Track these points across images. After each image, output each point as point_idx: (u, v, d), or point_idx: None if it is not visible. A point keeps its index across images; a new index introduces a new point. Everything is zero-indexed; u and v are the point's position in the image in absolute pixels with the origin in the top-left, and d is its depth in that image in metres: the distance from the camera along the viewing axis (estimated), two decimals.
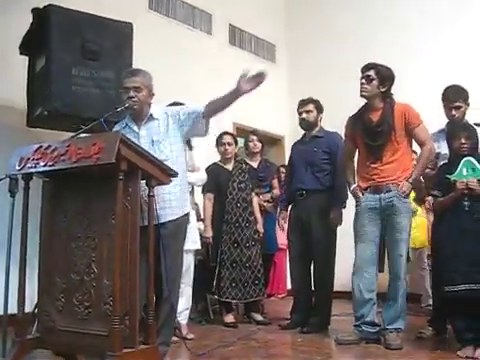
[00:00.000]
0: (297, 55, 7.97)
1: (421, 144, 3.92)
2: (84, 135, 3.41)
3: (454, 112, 4.02)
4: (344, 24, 7.46)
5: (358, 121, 4.03)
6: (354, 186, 4.01)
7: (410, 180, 3.84)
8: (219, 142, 5.15)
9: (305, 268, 4.68)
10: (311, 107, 4.74)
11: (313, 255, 4.60)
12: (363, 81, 3.93)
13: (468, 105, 4.08)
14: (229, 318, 4.92)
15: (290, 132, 5.56)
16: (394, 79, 3.98)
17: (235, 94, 3.33)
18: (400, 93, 4.03)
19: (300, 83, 7.67)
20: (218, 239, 4.91)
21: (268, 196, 5.45)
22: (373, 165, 3.91)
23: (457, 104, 4.02)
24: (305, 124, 4.75)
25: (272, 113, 7.43)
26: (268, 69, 7.85)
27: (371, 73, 3.91)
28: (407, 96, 4.06)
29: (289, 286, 7.16)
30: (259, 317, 5.06)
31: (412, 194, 4.52)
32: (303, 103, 4.79)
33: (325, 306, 4.56)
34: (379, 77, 3.90)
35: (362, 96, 3.96)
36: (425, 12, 6.77)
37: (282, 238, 6.78)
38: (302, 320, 4.56)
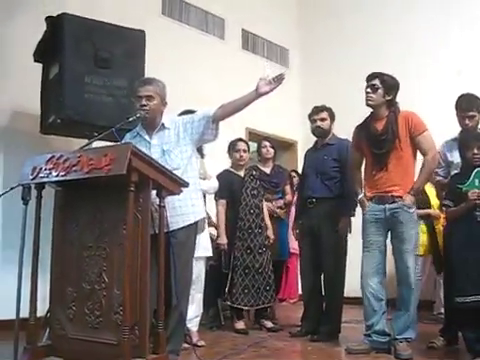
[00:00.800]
0: (310, 59, 7.96)
1: (424, 153, 3.89)
2: (95, 145, 3.44)
3: (468, 121, 4.00)
4: (357, 28, 7.44)
5: (363, 130, 4.04)
6: (361, 196, 4.00)
7: (412, 192, 3.83)
8: (234, 148, 5.15)
9: (315, 275, 4.67)
10: (325, 115, 4.73)
11: (323, 263, 4.59)
12: (368, 90, 3.93)
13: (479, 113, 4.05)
14: (240, 325, 4.93)
15: (303, 137, 5.56)
16: (399, 88, 3.98)
17: (253, 96, 3.35)
18: (410, 99, 4.01)
19: (313, 87, 7.67)
20: (231, 245, 4.92)
21: (281, 202, 5.46)
22: (378, 173, 3.91)
23: (471, 113, 4.00)
24: (319, 132, 4.73)
25: (285, 118, 7.43)
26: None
27: (376, 82, 3.91)
28: (418, 102, 4.05)
29: (301, 291, 7.20)
30: (270, 324, 5.06)
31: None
32: (317, 110, 4.77)
33: (335, 314, 4.54)
34: (384, 86, 3.90)
35: (368, 105, 3.96)
36: (436, 17, 6.73)
37: (294, 243, 6.81)
38: (312, 328, 4.55)
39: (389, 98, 3.92)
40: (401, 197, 3.83)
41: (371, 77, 3.95)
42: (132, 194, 2.82)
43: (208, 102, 5.86)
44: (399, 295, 3.91)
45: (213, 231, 5.12)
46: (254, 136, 6.95)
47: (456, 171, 3.86)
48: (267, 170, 5.54)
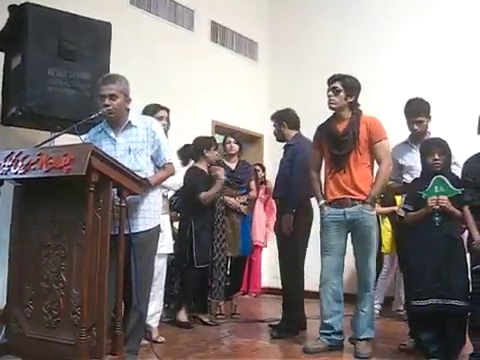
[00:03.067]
0: (279, 54, 7.92)
1: (379, 161, 3.95)
2: (57, 140, 3.39)
3: (416, 126, 4.06)
4: (327, 23, 7.43)
5: (325, 130, 4.07)
6: (322, 202, 4.03)
7: (368, 200, 3.88)
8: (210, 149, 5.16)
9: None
10: (274, 122, 4.89)
11: (281, 262, 4.73)
12: (330, 94, 3.95)
13: (429, 118, 4.11)
14: (183, 317, 4.95)
15: (269, 131, 5.57)
16: (360, 89, 4.01)
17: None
18: (380, 96, 4.04)
19: (281, 82, 7.67)
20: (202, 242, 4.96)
21: (245, 198, 5.44)
22: (337, 174, 3.95)
23: (418, 119, 4.05)
24: (276, 137, 4.95)
25: (252, 112, 7.42)
26: (249, 67, 7.94)
27: (337, 85, 3.93)
28: (387, 99, 4.07)
29: (264, 284, 7.27)
30: (206, 318, 5.10)
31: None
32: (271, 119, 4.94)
33: (291, 311, 4.59)
34: (346, 88, 3.93)
35: (331, 109, 3.99)
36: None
37: (259, 235, 6.86)
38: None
39: (351, 100, 3.95)
40: (360, 200, 3.88)
41: (332, 80, 3.97)
42: (92, 194, 2.80)
43: (176, 94, 5.90)
44: (358, 295, 3.97)
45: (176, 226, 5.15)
46: (221, 129, 6.93)
47: (409, 173, 3.96)
48: (232, 166, 5.53)
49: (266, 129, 7.46)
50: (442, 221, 3.53)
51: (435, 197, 3.55)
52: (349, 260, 4.06)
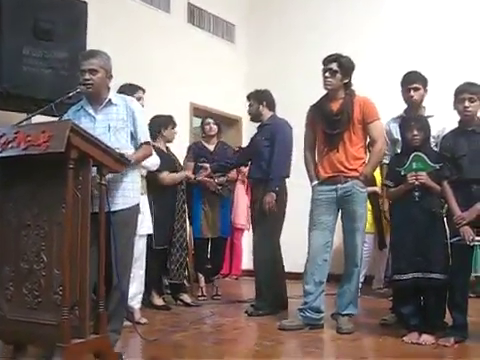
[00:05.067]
0: (256, 36, 7.90)
1: (373, 141, 3.99)
2: (34, 121, 3.33)
3: (412, 93, 4.04)
4: (306, 6, 7.42)
5: (318, 110, 4.06)
6: (315, 183, 4.04)
7: (361, 178, 3.93)
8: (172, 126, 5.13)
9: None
10: (251, 101, 4.91)
11: (255, 241, 4.79)
12: (327, 75, 3.93)
13: (426, 91, 4.12)
14: (160, 301, 4.94)
15: (247, 114, 5.58)
16: (354, 69, 4.01)
17: None
18: (362, 78, 4.06)
19: (259, 64, 7.65)
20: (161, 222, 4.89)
21: (223, 179, 5.42)
22: (330, 153, 3.96)
23: (416, 85, 4.05)
24: (250, 117, 5.01)
25: (230, 94, 7.38)
26: (227, 50, 7.92)
27: (333, 66, 3.92)
28: (370, 80, 4.09)
29: (244, 267, 7.29)
30: (188, 299, 5.10)
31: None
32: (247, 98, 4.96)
33: (265, 290, 4.61)
34: (342, 69, 3.93)
35: (326, 89, 3.98)
36: None
37: (240, 218, 6.87)
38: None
39: (346, 81, 3.97)
40: (353, 177, 3.91)
41: (329, 60, 3.95)
42: (71, 172, 2.76)
43: (153, 76, 5.85)
44: (345, 272, 4.02)
45: None
46: (198, 111, 6.90)
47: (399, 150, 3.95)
48: (211, 147, 5.52)
49: (244, 112, 7.40)
50: (422, 196, 3.56)
51: (414, 173, 3.58)
52: (335, 240, 4.10)
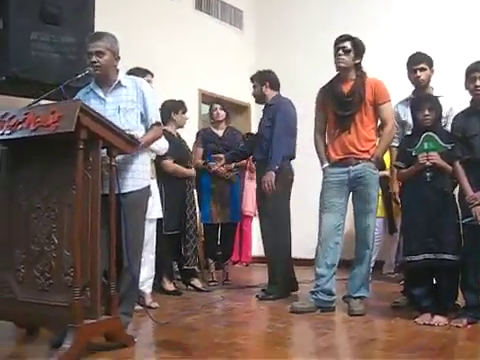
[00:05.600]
0: (265, 22, 7.85)
1: (384, 122, 3.97)
2: (44, 103, 3.31)
3: (419, 73, 4.02)
4: None
5: (329, 91, 4.03)
6: (325, 165, 4.02)
7: (373, 159, 3.91)
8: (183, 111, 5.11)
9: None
10: (255, 83, 4.88)
11: (262, 224, 4.76)
12: (340, 53, 3.90)
13: (433, 72, 4.09)
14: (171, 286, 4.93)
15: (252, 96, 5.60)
16: (365, 51, 3.98)
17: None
18: (369, 64, 4.03)
19: (267, 51, 7.60)
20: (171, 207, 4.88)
21: (232, 165, 5.40)
22: (341, 135, 3.93)
23: (422, 65, 4.02)
24: (255, 99, 4.99)
25: (238, 80, 7.31)
26: (235, 36, 7.87)
27: (347, 45, 3.89)
28: (375, 67, 4.06)
29: (254, 253, 7.28)
30: (199, 284, 5.10)
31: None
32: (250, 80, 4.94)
33: (277, 273, 4.59)
34: (355, 49, 3.91)
35: (339, 67, 3.95)
36: None
37: (248, 205, 6.86)
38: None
39: (358, 61, 3.94)
40: (364, 159, 3.89)
41: (342, 39, 3.92)
42: (81, 152, 2.76)
43: (161, 63, 5.82)
44: (356, 254, 4.00)
45: None
46: (207, 98, 6.87)
47: (409, 132, 3.91)
48: (219, 133, 5.49)
49: (253, 98, 7.45)
50: (433, 176, 3.52)
51: (425, 154, 3.54)
52: (345, 224, 4.07)
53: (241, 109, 7.68)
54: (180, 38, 6.60)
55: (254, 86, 4.89)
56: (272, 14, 7.79)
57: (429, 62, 4.07)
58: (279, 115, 4.60)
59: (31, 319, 3.07)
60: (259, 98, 4.90)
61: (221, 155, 5.10)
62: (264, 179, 4.53)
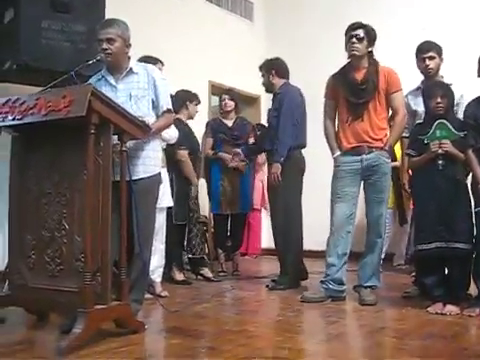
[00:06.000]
0: (275, 14, 7.82)
1: (395, 111, 3.95)
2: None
3: (428, 62, 4.01)
4: None
5: (341, 79, 4.00)
6: (337, 154, 3.99)
7: (386, 147, 3.89)
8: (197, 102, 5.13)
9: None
10: (263, 72, 4.87)
11: (272, 215, 4.74)
12: (354, 40, 3.87)
13: (442, 60, 4.07)
14: (180, 276, 4.93)
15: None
16: (376, 39, 3.95)
17: None
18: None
19: (277, 42, 7.55)
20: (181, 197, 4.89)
21: (242, 156, 5.38)
22: (353, 123, 3.91)
23: (431, 54, 4.01)
24: (265, 88, 4.95)
25: (248, 72, 7.26)
26: (245, 27, 7.83)
27: (360, 32, 3.86)
28: (383, 59, 4.04)
29: (263, 245, 7.27)
30: (209, 273, 5.10)
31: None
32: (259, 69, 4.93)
33: (287, 263, 4.57)
34: (368, 37, 3.88)
35: (352, 55, 3.91)
36: None
37: (256, 199, 6.84)
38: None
39: (370, 49, 3.92)
40: (377, 147, 3.87)
41: (354, 27, 3.89)
42: (92, 137, 2.75)
43: (171, 55, 5.80)
44: (368, 243, 3.97)
45: None
46: (217, 89, 6.84)
47: (420, 121, 3.87)
48: (229, 123, 5.47)
49: (263, 90, 7.42)
50: (446, 164, 3.49)
51: (437, 142, 3.51)
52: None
53: (251, 101, 7.65)
54: (190, 30, 6.58)
55: (262, 75, 4.87)
56: (282, 6, 7.75)
57: (438, 50, 4.05)
58: (285, 105, 4.57)
59: (41, 305, 3.08)
60: (268, 87, 4.88)
61: (239, 150, 5.09)
62: (271, 171, 4.53)
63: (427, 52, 4.02)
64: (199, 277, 5.06)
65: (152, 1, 6.15)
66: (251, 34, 7.75)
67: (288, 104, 4.58)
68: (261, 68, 4.89)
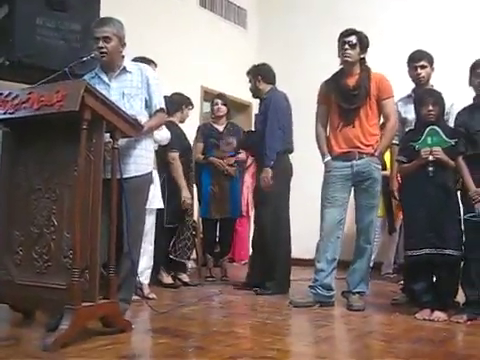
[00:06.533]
0: (268, 21, 7.87)
1: (386, 117, 3.96)
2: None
3: (420, 71, 4.06)
4: None
5: (333, 85, 4.01)
6: (327, 159, 3.99)
7: (376, 154, 3.90)
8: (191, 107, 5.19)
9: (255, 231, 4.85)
10: (250, 77, 4.92)
11: (260, 220, 4.73)
12: (346, 47, 3.89)
13: (433, 69, 4.12)
14: (168, 279, 4.91)
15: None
16: (369, 46, 3.99)
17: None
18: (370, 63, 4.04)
19: (270, 49, 7.58)
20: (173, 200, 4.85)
21: (232, 160, 5.38)
22: (345, 128, 3.91)
23: (422, 63, 4.06)
24: (251, 94, 5.01)
25: (241, 79, 7.30)
26: (238, 34, 7.84)
27: (353, 39, 3.89)
28: (377, 65, 4.07)
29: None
30: (186, 278, 5.06)
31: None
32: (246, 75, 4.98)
33: (279, 270, 4.55)
34: (361, 43, 3.91)
35: (345, 62, 3.93)
36: None
37: (243, 205, 6.82)
38: (257, 282, 4.63)
39: (363, 56, 3.95)
40: (368, 154, 3.88)
41: (347, 34, 3.92)
42: (84, 132, 2.74)
43: (164, 59, 5.79)
44: (357, 249, 3.98)
45: None
46: (209, 95, 6.85)
47: (410, 128, 3.90)
48: (220, 128, 5.47)
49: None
50: (436, 171, 3.50)
51: (428, 148, 3.52)
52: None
53: (243, 107, 7.66)
54: (184, 35, 6.61)
55: (249, 81, 4.91)
56: (275, 14, 7.81)
57: (430, 60, 4.10)
58: (271, 109, 4.59)
59: (28, 302, 3.04)
60: (254, 92, 4.91)
61: (232, 139, 5.25)
62: (261, 176, 4.53)
63: (419, 61, 4.07)
64: (177, 281, 5.00)
65: (146, 5, 6.15)
66: (244, 41, 7.79)
67: (274, 110, 4.60)
68: (248, 73, 4.94)
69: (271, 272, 4.58)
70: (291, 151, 4.75)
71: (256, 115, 4.87)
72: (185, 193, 4.81)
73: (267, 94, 4.76)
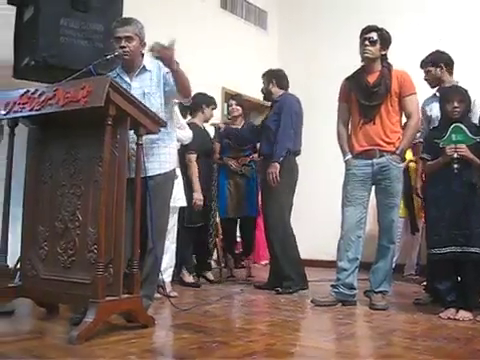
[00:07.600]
0: (288, 23, 7.87)
1: (409, 114, 3.93)
2: None
3: (425, 75, 4.19)
4: None
5: (354, 82, 4.00)
6: (348, 157, 3.98)
7: (398, 152, 3.86)
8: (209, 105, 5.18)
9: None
10: (263, 80, 5.00)
11: (265, 220, 4.75)
12: (367, 43, 3.88)
13: (440, 68, 4.14)
14: (190, 278, 4.94)
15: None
16: (391, 42, 3.97)
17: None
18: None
19: (291, 51, 7.62)
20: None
21: (247, 160, 5.38)
22: (366, 126, 3.90)
23: (427, 68, 4.18)
24: (263, 96, 5.10)
25: (261, 80, 7.35)
26: (259, 36, 7.84)
27: (373, 35, 3.88)
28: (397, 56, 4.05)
29: None
30: (211, 276, 5.15)
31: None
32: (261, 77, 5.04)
33: (292, 269, 4.56)
34: (381, 40, 3.89)
35: (365, 58, 3.91)
36: None
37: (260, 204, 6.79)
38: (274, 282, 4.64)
39: (384, 53, 3.93)
40: (389, 152, 3.84)
41: (368, 30, 3.90)
42: (109, 128, 2.76)
43: (185, 61, 5.78)
44: (379, 249, 3.94)
45: None
46: (230, 96, 6.87)
47: (434, 126, 3.87)
48: (238, 128, 5.48)
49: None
50: (461, 168, 3.46)
51: (453, 145, 3.49)
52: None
53: (263, 109, 7.65)
54: (205, 36, 6.64)
55: (263, 82, 4.99)
56: (295, 15, 7.81)
57: (434, 62, 4.16)
58: (285, 110, 4.67)
59: (53, 296, 3.07)
60: (265, 95, 5.01)
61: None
62: (269, 171, 4.53)
63: (425, 67, 4.19)
64: (202, 279, 5.04)
65: (168, 7, 6.19)
66: (265, 43, 7.81)
67: (288, 110, 4.68)
68: (263, 76, 5.00)
69: (285, 272, 4.58)
70: (299, 153, 4.78)
71: (268, 114, 4.91)
72: (197, 195, 4.83)
73: (279, 98, 4.83)
